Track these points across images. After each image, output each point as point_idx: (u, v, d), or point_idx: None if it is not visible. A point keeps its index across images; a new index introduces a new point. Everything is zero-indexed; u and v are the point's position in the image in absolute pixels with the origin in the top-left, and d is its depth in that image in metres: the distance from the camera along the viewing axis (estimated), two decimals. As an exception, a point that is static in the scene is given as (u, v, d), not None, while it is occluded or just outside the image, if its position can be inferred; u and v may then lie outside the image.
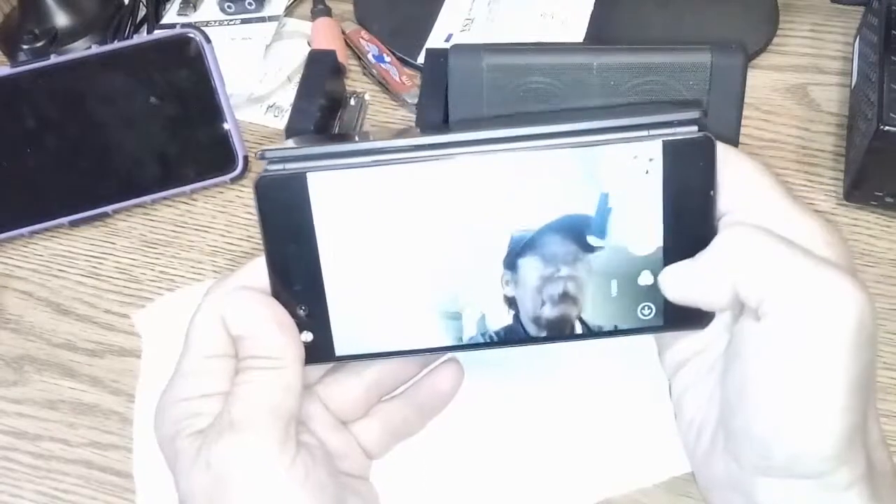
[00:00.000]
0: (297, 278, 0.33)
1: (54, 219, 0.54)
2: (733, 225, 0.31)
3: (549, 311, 0.34)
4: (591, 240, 0.33)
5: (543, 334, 0.34)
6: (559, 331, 0.34)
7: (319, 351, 0.34)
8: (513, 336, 0.34)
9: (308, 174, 0.32)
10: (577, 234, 0.33)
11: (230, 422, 0.31)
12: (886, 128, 0.47)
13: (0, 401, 0.48)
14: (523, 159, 0.32)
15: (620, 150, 0.32)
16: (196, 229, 0.55)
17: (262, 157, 0.32)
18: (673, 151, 0.31)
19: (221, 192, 0.56)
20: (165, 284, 0.52)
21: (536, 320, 0.34)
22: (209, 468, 0.31)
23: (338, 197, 0.32)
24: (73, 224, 0.55)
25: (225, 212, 0.56)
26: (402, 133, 0.32)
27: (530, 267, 0.33)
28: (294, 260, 0.33)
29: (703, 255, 0.31)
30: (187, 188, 0.55)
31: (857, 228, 0.52)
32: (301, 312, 0.34)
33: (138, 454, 0.45)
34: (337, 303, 0.34)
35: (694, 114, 0.31)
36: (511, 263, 0.34)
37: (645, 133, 0.31)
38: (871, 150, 0.48)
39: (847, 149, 0.54)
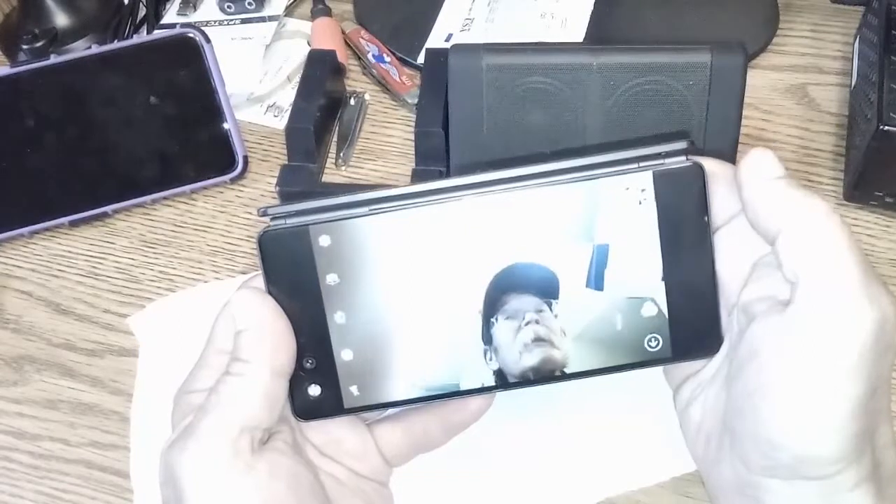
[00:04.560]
0: (302, 331, 0.33)
1: (54, 219, 0.54)
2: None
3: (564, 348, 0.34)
4: (592, 275, 0.33)
5: (557, 374, 0.34)
6: (573, 368, 0.34)
7: (327, 405, 0.34)
8: (527, 377, 0.34)
9: (311, 227, 0.32)
10: (577, 270, 0.33)
11: (188, 429, 0.31)
12: (886, 128, 0.47)
13: (0, 401, 0.48)
14: (520, 198, 0.32)
15: (612, 184, 0.32)
16: (196, 229, 0.55)
17: (265, 214, 0.33)
18: (664, 182, 0.32)
19: (221, 192, 0.56)
20: (165, 284, 0.52)
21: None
22: (166, 472, 0.31)
23: (341, 248, 0.33)
24: (73, 224, 0.55)
25: (225, 212, 0.56)
26: (398, 185, 0.33)
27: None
28: (299, 313, 0.33)
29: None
30: (187, 188, 0.55)
31: (857, 228, 0.52)
32: (308, 365, 0.34)
33: (135, 455, 0.45)
34: (343, 354, 0.34)
35: (681, 144, 0.32)
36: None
37: (635, 166, 0.32)
38: (870, 150, 0.48)
39: (847, 149, 0.54)
